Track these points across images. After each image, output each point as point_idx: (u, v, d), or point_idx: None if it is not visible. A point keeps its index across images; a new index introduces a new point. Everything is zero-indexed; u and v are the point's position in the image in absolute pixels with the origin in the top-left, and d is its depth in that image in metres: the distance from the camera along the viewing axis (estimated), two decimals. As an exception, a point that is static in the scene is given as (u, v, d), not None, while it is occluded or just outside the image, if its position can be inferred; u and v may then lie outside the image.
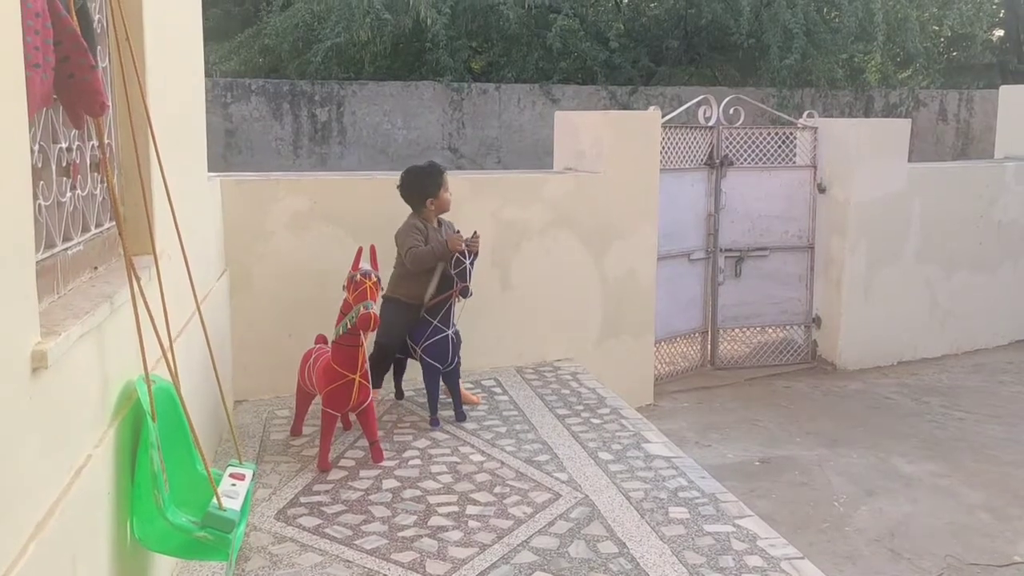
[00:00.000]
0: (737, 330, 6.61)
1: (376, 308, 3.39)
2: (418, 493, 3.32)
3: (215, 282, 3.95)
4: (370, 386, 3.58)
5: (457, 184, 4.81)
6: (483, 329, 4.88)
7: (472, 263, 3.95)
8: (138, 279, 2.16)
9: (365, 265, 3.52)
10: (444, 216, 4.26)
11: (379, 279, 3.49)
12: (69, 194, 2.26)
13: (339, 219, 4.55)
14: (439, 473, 3.51)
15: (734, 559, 2.88)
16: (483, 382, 4.76)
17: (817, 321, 6.62)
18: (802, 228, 6.56)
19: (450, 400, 4.15)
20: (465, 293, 3.95)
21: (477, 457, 3.68)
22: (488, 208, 4.93)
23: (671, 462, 3.64)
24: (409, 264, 4.00)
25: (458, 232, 4.17)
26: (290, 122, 10.79)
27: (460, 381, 4.20)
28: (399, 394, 4.44)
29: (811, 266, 6.59)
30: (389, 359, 4.22)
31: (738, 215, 6.39)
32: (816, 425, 5.31)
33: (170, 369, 2.39)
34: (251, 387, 4.44)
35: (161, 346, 2.31)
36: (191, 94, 3.57)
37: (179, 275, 2.78)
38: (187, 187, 3.31)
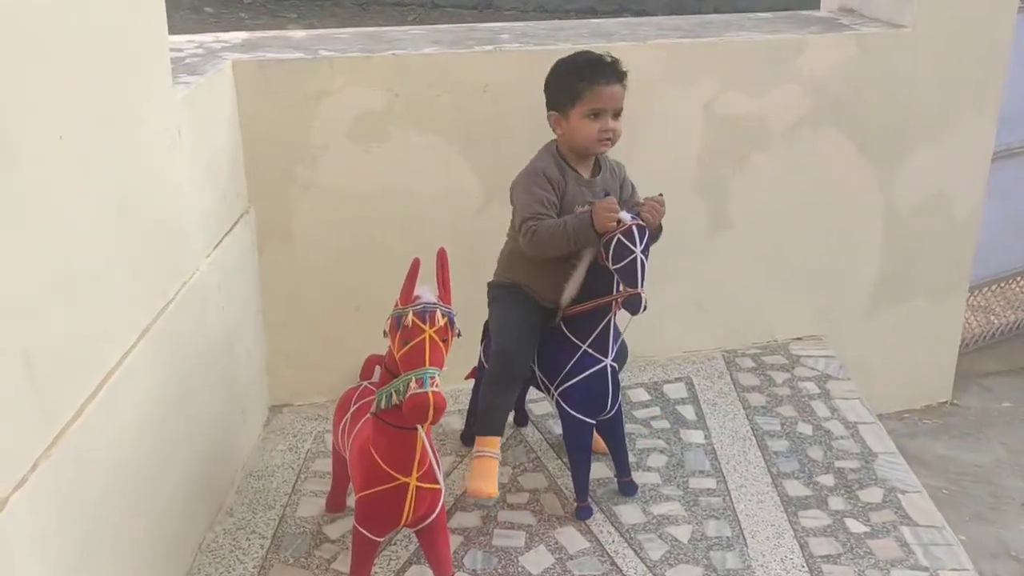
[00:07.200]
0: (1103, 264, 4.68)
1: (439, 381, 1.98)
2: None
3: (211, 247, 2.65)
4: (440, 487, 2.24)
5: (642, 56, 3.17)
6: (675, 293, 3.37)
7: (646, 250, 2.42)
8: None
9: (427, 292, 2.07)
10: (612, 155, 2.64)
11: (452, 319, 2.05)
12: None
13: (439, 122, 3.06)
14: (552, 669, 2.20)
15: None
16: (665, 387, 3.33)
17: None
18: None
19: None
20: (635, 306, 2.44)
21: (629, 625, 2.32)
22: (698, 97, 3.26)
23: None
24: (527, 249, 2.51)
25: (633, 195, 2.65)
26: None
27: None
28: (521, 419, 3.10)
29: None
30: (517, 380, 2.66)
31: None
32: None
33: None
34: (294, 387, 3.21)
35: None
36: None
37: None
38: (113, 119, 1.96)
